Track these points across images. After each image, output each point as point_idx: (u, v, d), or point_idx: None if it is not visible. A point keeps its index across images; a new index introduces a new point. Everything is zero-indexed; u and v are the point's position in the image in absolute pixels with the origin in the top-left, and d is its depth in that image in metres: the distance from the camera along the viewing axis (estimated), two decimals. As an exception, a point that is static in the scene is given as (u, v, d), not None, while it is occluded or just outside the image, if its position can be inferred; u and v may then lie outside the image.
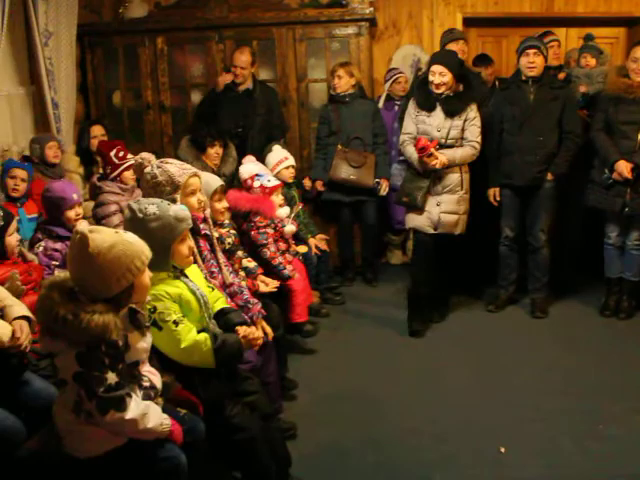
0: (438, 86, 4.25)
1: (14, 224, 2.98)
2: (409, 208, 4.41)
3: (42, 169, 4.52)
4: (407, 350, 4.25)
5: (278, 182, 4.11)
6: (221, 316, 2.73)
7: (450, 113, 4.28)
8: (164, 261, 2.50)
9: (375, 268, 5.53)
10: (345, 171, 5.14)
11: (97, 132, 5.02)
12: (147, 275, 2.18)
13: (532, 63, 4.42)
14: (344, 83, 5.16)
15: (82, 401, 2.05)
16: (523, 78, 4.51)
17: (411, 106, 4.45)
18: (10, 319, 2.50)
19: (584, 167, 4.65)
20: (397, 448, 3.17)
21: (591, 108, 4.82)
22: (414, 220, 4.42)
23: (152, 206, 2.49)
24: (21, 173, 4.06)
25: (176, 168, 2.87)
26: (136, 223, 2.46)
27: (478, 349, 4.21)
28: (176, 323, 2.43)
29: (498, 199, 4.67)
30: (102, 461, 2.10)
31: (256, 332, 2.73)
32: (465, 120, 4.29)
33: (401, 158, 5.05)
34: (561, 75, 5.08)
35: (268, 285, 3.53)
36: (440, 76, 4.23)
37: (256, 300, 3.19)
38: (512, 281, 4.82)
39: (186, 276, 2.62)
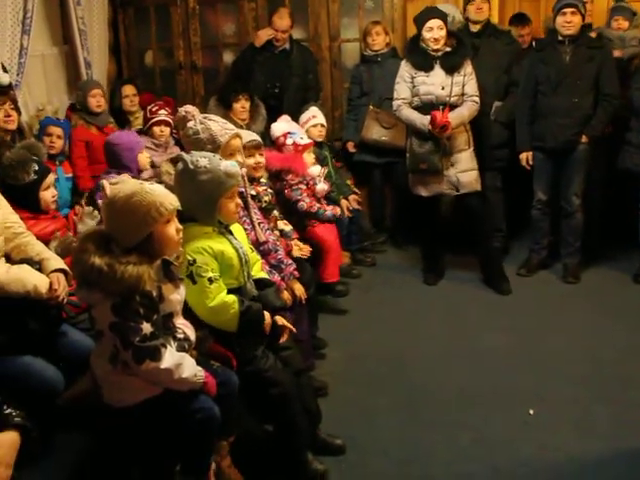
0: (437, 40, 4.24)
1: (50, 179, 3.02)
2: (427, 174, 4.38)
3: (85, 117, 4.56)
4: (437, 312, 4.25)
5: (310, 141, 4.09)
6: (259, 286, 2.72)
7: (450, 69, 4.28)
8: (210, 215, 2.52)
9: (405, 230, 5.50)
10: (377, 132, 5.09)
11: (129, 92, 5.05)
12: (172, 227, 2.19)
13: (569, 22, 4.30)
14: (381, 40, 5.10)
15: (118, 351, 2.09)
16: (559, 38, 4.39)
17: (404, 69, 4.41)
18: (47, 272, 2.55)
19: (618, 129, 4.54)
20: (425, 407, 3.19)
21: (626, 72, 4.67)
22: (433, 187, 4.41)
23: (204, 159, 2.49)
24: (57, 130, 4.10)
25: (219, 127, 2.85)
26: (186, 174, 2.48)
27: (509, 312, 4.19)
28: (210, 280, 2.45)
29: (531, 163, 4.60)
30: (138, 410, 2.15)
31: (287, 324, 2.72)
32: (464, 75, 4.29)
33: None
34: (592, 34, 4.93)
35: (302, 250, 3.52)
36: (439, 30, 4.23)
37: (290, 261, 3.20)
38: (544, 245, 4.77)
39: (231, 233, 2.63)
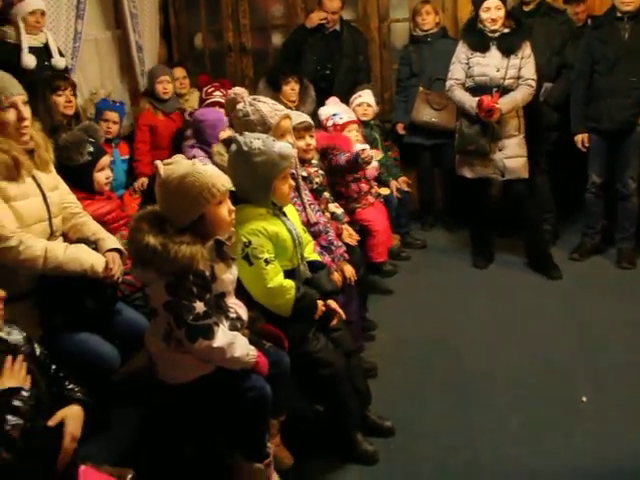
0: (495, 21, 4.15)
1: (104, 160, 3.07)
2: (473, 156, 4.32)
3: (153, 102, 4.68)
4: (486, 296, 4.20)
5: (350, 118, 4.08)
6: (312, 269, 2.74)
7: (507, 51, 4.18)
8: (264, 197, 2.54)
9: (455, 213, 5.44)
10: (427, 114, 5.04)
11: (179, 74, 5.08)
12: (224, 208, 2.21)
13: None
14: (431, 20, 5.03)
15: (172, 329, 2.14)
16: (617, 15, 4.25)
17: (460, 50, 4.32)
18: (103, 251, 2.60)
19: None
20: (474, 391, 3.16)
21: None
22: (479, 170, 4.34)
23: (257, 141, 2.51)
24: (113, 115, 4.17)
25: (269, 108, 2.86)
26: (240, 156, 2.50)
27: (561, 297, 4.11)
28: (267, 262, 2.47)
29: (587, 145, 4.49)
30: (191, 387, 2.19)
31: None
32: (522, 58, 4.18)
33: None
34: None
35: (352, 236, 3.51)
36: (496, 10, 4.14)
37: (340, 243, 3.20)
38: (598, 230, 4.66)
39: (284, 214, 2.65)
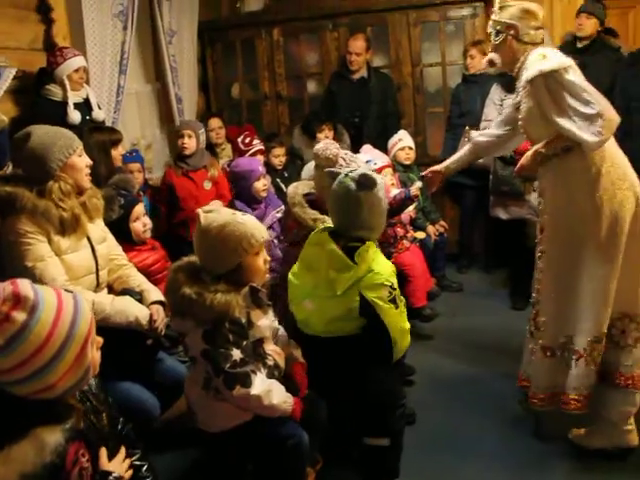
0: None
1: (137, 209, 3.13)
2: (508, 197, 4.30)
3: (176, 159, 4.51)
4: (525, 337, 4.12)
5: (384, 163, 4.12)
6: None
7: None
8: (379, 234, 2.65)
9: (495, 254, 5.39)
10: (472, 153, 5.04)
11: (214, 125, 5.18)
12: (261, 258, 2.27)
13: None
14: (477, 62, 5.01)
15: (210, 377, 2.17)
16: None
17: (495, 91, 4.33)
18: (147, 303, 2.68)
19: None
20: (513, 437, 3.09)
21: None
22: (513, 210, 4.33)
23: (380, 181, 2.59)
24: (135, 166, 4.14)
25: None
26: (376, 197, 2.54)
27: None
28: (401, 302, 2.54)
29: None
30: (230, 435, 2.22)
31: None
32: None
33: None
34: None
35: None
36: None
37: None
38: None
39: None
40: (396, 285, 2.49)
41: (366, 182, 2.50)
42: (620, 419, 2.79)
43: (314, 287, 2.51)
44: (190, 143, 4.41)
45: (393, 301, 2.45)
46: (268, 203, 4.03)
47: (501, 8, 2.80)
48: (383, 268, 2.48)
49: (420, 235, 4.39)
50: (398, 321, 2.48)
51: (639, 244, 2.71)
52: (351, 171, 2.57)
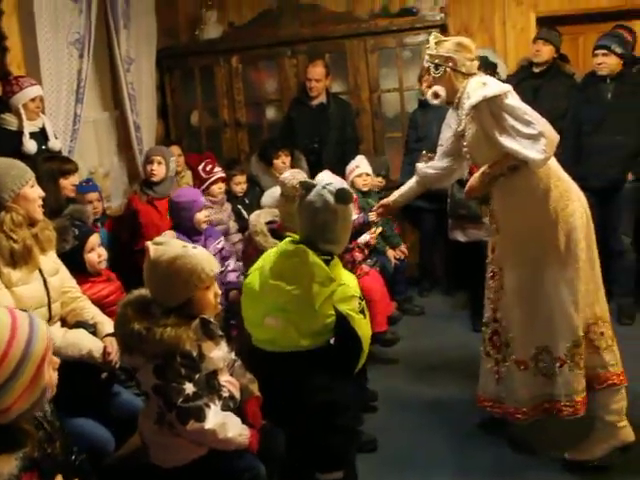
0: None
1: (92, 240, 3.06)
2: (465, 220, 4.37)
3: (142, 186, 4.49)
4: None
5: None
6: None
7: None
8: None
9: (455, 277, 5.44)
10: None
11: (174, 152, 5.12)
12: (211, 292, 2.25)
13: (600, 64, 4.34)
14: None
15: (163, 412, 2.13)
16: (600, 75, 4.39)
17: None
18: (101, 336, 2.63)
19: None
20: (479, 459, 3.11)
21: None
22: (471, 233, 4.40)
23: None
24: (93, 195, 4.07)
25: None
26: (342, 214, 2.56)
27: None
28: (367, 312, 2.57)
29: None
30: (185, 471, 2.17)
31: None
32: None
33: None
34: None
35: None
36: None
37: None
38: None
39: None
40: (362, 295, 2.55)
41: (344, 196, 2.53)
42: (617, 415, 2.87)
43: (284, 302, 2.45)
44: (159, 170, 4.40)
45: (362, 312, 2.49)
46: (209, 234, 3.97)
47: (437, 43, 2.96)
48: (349, 280, 2.54)
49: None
50: (367, 330, 2.53)
51: (590, 253, 2.85)
52: (328, 184, 2.58)
